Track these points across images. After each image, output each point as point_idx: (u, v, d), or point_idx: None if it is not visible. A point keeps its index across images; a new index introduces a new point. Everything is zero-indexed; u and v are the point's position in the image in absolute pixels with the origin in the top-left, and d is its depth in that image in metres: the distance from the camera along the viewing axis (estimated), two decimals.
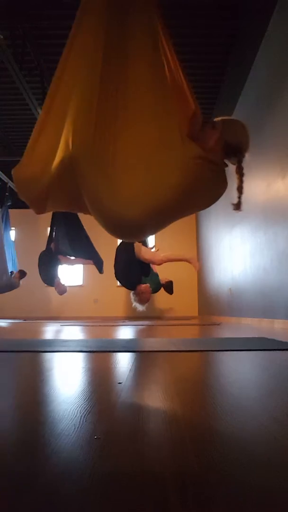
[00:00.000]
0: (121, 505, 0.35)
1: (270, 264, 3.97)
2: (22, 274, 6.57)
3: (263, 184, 4.10)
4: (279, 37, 3.79)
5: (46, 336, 2.63)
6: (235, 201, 1.65)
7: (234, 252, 5.43)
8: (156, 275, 5.13)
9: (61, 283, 5.39)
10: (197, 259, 4.93)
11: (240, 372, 1.05)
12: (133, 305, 4.49)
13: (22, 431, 0.56)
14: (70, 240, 5.11)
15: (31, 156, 1.61)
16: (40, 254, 5.44)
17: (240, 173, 1.63)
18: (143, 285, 4.40)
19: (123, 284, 4.57)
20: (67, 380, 0.96)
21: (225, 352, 1.51)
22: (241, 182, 1.64)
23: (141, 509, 0.34)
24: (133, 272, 4.39)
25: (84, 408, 0.68)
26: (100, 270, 5.33)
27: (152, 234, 1.87)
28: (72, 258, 5.38)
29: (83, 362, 1.27)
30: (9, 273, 6.34)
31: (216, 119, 1.64)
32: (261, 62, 4.37)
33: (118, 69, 1.53)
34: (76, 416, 0.63)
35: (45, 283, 5.48)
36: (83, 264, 5.82)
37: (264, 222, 4.13)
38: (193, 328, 3.82)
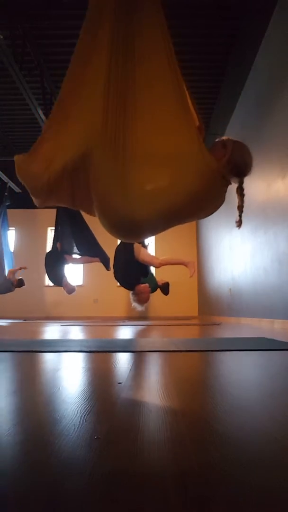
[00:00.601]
0: (121, 505, 0.35)
1: (270, 264, 3.97)
2: (20, 283, 6.57)
3: (263, 184, 4.10)
4: (279, 37, 3.79)
5: (46, 336, 2.63)
6: (237, 219, 1.74)
7: (234, 252, 5.43)
8: (152, 274, 5.14)
9: (69, 283, 5.40)
10: (195, 265, 4.94)
11: (240, 372, 1.05)
12: (132, 305, 4.49)
13: (22, 431, 0.56)
14: (75, 238, 5.13)
15: (39, 150, 1.62)
16: (46, 254, 5.46)
17: (240, 194, 1.73)
18: (142, 285, 4.40)
19: (122, 284, 4.57)
20: (67, 380, 0.96)
21: (225, 352, 1.51)
22: (241, 201, 1.74)
23: (141, 509, 0.34)
24: (132, 272, 4.39)
25: (84, 408, 0.68)
26: (107, 267, 5.33)
27: (151, 235, 1.89)
28: (78, 256, 5.39)
29: (83, 362, 1.27)
30: (6, 274, 6.35)
31: (226, 139, 1.72)
32: (261, 62, 4.37)
33: (130, 68, 1.56)
34: (76, 416, 0.63)
35: (54, 284, 5.50)
36: (90, 262, 5.83)
37: (264, 222, 4.13)
38: (193, 328, 3.82)
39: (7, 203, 6.98)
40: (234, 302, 5.62)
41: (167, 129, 1.52)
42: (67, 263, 5.36)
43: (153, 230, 1.66)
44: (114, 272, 4.55)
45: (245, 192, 1.73)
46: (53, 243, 5.41)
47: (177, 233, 9.23)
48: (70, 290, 5.42)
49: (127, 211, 1.47)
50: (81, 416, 0.63)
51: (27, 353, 1.53)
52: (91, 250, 5.25)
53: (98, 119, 1.50)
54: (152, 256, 4.68)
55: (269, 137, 4.02)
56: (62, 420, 0.61)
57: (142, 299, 4.37)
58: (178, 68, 1.60)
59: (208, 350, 1.56)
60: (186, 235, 9.43)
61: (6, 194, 7.02)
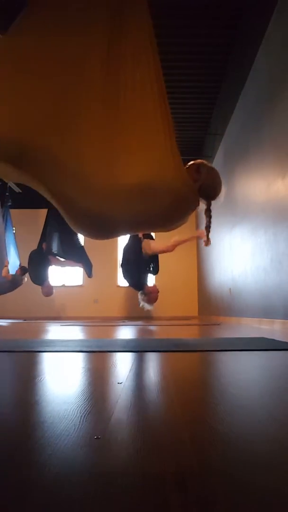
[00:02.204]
0: (121, 505, 0.35)
1: (270, 264, 3.97)
2: (23, 270, 6.56)
3: (263, 184, 4.10)
4: (279, 37, 3.79)
5: (46, 336, 2.63)
6: (205, 238, 1.91)
7: (234, 252, 5.43)
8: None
9: (50, 286, 5.37)
10: (203, 232, 4.90)
11: (240, 372, 1.05)
12: (141, 305, 4.46)
13: (22, 431, 0.56)
14: (61, 241, 5.07)
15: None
16: (31, 253, 5.42)
17: (208, 215, 1.86)
18: (152, 286, 4.40)
19: (132, 285, 4.53)
20: (67, 380, 0.96)
21: (225, 352, 1.51)
22: (209, 222, 1.88)
23: (141, 509, 0.34)
24: (142, 272, 4.38)
25: (84, 408, 0.68)
26: (89, 274, 5.29)
27: (113, 235, 1.89)
28: (62, 259, 5.35)
29: (83, 362, 1.27)
30: (15, 271, 6.37)
31: (200, 164, 1.79)
32: (261, 62, 4.37)
33: (114, 72, 1.53)
34: (76, 416, 0.63)
35: (34, 283, 5.46)
36: (72, 266, 5.79)
37: (264, 222, 4.13)
38: (193, 328, 3.82)
39: (9, 203, 6.99)
40: (234, 302, 5.62)
41: (148, 142, 1.52)
42: (51, 265, 5.33)
43: (122, 230, 1.71)
44: (123, 273, 4.52)
45: (212, 214, 1.84)
46: (39, 243, 5.38)
47: (177, 233, 9.23)
48: (48, 293, 5.39)
49: (107, 206, 1.49)
50: (81, 416, 0.63)
51: (27, 353, 1.52)
52: (75, 255, 5.20)
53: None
54: (163, 243, 4.61)
55: (269, 137, 4.02)
56: (62, 420, 0.61)
57: (151, 299, 4.36)
58: (162, 76, 1.58)
59: (208, 350, 1.56)
60: (186, 235, 9.42)
61: (7, 194, 7.03)
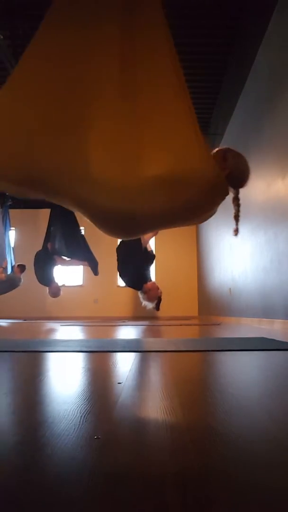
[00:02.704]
0: (121, 505, 0.35)
1: (270, 264, 3.97)
2: (22, 268, 6.55)
3: (263, 184, 4.10)
4: (279, 37, 3.79)
5: (46, 336, 2.63)
6: (234, 227, 1.78)
7: (234, 252, 5.43)
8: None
9: (58, 286, 5.34)
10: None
11: (240, 372, 1.05)
12: (142, 304, 4.42)
13: (22, 431, 0.56)
14: (66, 240, 5.07)
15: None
16: (37, 253, 5.40)
17: (237, 204, 1.76)
18: (150, 283, 4.35)
19: (130, 284, 4.50)
20: (67, 380, 0.96)
21: (225, 352, 1.51)
22: (238, 211, 1.77)
23: (141, 509, 0.34)
24: (139, 271, 4.35)
25: (84, 408, 0.68)
26: (95, 272, 5.28)
27: (141, 234, 1.87)
28: (67, 259, 5.34)
29: (83, 362, 1.27)
30: (11, 270, 6.36)
31: (227, 150, 1.71)
32: (261, 62, 4.37)
33: (131, 71, 1.52)
34: (76, 416, 0.63)
35: (41, 283, 5.45)
36: (78, 265, 5.78)
37: (264, 222, 4.13)
38: (193, 328, 3.82)
39: (9, 203, 6.99)
40: (234, 302, 5.62)
41: (174, 131, 1.49)
42: (56, 264, 5.32)
43: (147, 228, 1.66)
44: (120, 273, 4.49)
45: (240, 202, 1.74)
46: (44, 243, 5.37)
47: (177, 233, 9.24)
48: (56, 294, 5.35)
49: (127, 204, 1.45)
50: (81, 416, 0.63)
51: (27, 353, 1.53)
52: (80, 254, 5.19)
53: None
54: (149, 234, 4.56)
55: (269, 137, 4.02)
56: (62, 420, 0.61)
57: (152, 296, 4.31)
58: (180, 68, 1.57)
59: (208, 350, 1.56)
60: (186, 235, 9.43)
61: (7, 193, 7.03)
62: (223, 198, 1.60)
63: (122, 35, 1.52)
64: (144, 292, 4.28)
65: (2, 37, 4.29)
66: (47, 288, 5.37)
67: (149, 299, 4.29)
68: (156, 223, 1.63)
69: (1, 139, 1.43)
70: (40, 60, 1.53)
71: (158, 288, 4.34)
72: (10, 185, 1.48)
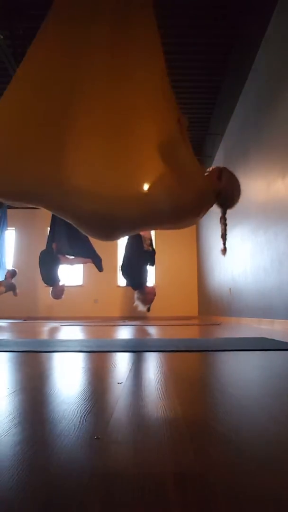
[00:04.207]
0: (121, 505, 0.35)
1: (270, 264, 3.97)
2: (12, 273, 6.55)
3: (263, 184, 4.10)
4: (279, 37, 3.78)
5: (46, 336, 2.63)
6: (221, 247, 1.86)
7: (234, 252, 5.43)
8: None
9: (62, 287, 5.30)
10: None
11: (240, 372, 1.05)
12: (135, 303, 4.44)
13: (22, 431, 0.56)
14: (69, 239, 5.06)
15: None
16: (41, 253, 5.38)
17: (224, 223, 1.82)
18: (151, 287, 4.38)
19: (132, 284, 4.49)
20: (67, 380, 0.96)
21: (225, 352, 1.51)
22: (225, 230, 1.83)
23: (141, 509, 0.34)
24: (143, 270, 4.36)
25: (84, 408, 0.68)
26: (100, 268, 5.27)
27: (121, 235, 1.90)
28: (72, 257, 5.32)
29: (83, 362, 1.27)
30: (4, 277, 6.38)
31: (222, 170, 1.76)
32: (261, 62, 4.37)
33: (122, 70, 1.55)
34: (76, 416, 0.63)
35: (46, 284, 5.43)
36: (82, 263, 5.76)
37: (264, 222, 4.13)
38: (193, 328, 3.82)
39: (7, 203, 6.99)
40: (234, 302, 5.61)
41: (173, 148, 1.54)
42: (61, 264, 5.30)
43: (127, 229, 1.70)
44: (122, 270, 4.48)
45: (227, 222, 1.80)
46: (48, 243, 5.35)
47: (177, 233, 9.23)
48: (58, 295, 5.29)
49: (112, 205, 1.49)
50: (81, 416, 0.63)
51: (27, 353, 1.53)
52: (84, 251, 5.17)
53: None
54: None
55: (269, 137, 4.02)
56: (62, 420, 0.61)
57: (147, 300, 4.33)
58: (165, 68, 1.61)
59: (208, 350, 1.56)
60: (186, 235, 9.43)
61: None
62: (205, 212, 1.69)
63: (112, 36, 1.56)
64: (142, 294, 4.30)
65: (2, 37, 4.29)
66: (50, 288, 5.34)
67: (144, 302, 4.31)
68: (137, 226, 1.67)
69: None
70: (31, 71, 1.58)
71: (155, 294, 4.37)
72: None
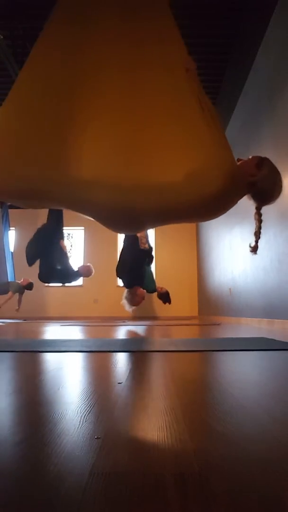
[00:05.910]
0: (121, 505, 0.35)
1: (270, 264, 3.97)
2: (29, 286, 6.60)
3: None
4: (279, 37, 3.78)
5: (46, 336, 2.63)
6: (253, 244, 1.72)
7: (234, 252, 5.43)
8: (153, 276, 5.12)
9: (87, 267, 5.17)
10: None
11: (240, 372, 1.05)
12: (122, 302, 4.44)
13: (22, 431, 0.56)
14: (44, 268, 4.92)
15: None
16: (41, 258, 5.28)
17: (258, 219, 1.68)
18: (141, 289, 4.39)
19: (125, 279, 4.48)
20: (67, 380, 0.96)
21: (225, 352, 1.51)
22: (259, 228, 1.70)
23: (141, 509, 0.34)
24: (139, 270, 4.36)
25: (84, 408, 0.68)
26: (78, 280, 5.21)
27: (146, 228, 1.86)
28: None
29: (83, 362, 1.27)
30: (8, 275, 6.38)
31: (264, 159, 1.60)
32: (261, 62, 4.37)
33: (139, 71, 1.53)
34: (76, 416, 0.63)
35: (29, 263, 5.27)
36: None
37: (264, 222, 4.13)
38: (193, 328, 3.82)
39: (9, 203, 6.98)
40: (234, 302, 5.61)
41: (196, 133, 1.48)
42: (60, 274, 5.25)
43: (150, 223, 1.65)
44: (117, 272, 4.48)
45: (263, 218, 1.64)
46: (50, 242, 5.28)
47: (177, 233, 9.24)
48: (87, 273, 5.15)
49: (134, 200, 1.43)
50: (81, 416, 0.63)
51: (27, 353, 1.52)
52: (59, 279, 5.09)
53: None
54: None
55: (269, 137, 4.02)
56: (62, 420, 0.61)
57: (134, 301, 4.34)
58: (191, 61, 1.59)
59: (208, 350, 1.56)
60: (186, 235, 9.43)
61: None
62: (232, 205, 1.54)
63: (122, 30, 1.54)
64: (131, 294, 4.31)
65: (2, 37, 4.29)
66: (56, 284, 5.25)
67: (131, 302, 4.33)
68: (158, 219, 1.59)
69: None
70: (38, 68, 1.56)
71: (143, 298, 4.38)
72: (10, 198, 1.53)
